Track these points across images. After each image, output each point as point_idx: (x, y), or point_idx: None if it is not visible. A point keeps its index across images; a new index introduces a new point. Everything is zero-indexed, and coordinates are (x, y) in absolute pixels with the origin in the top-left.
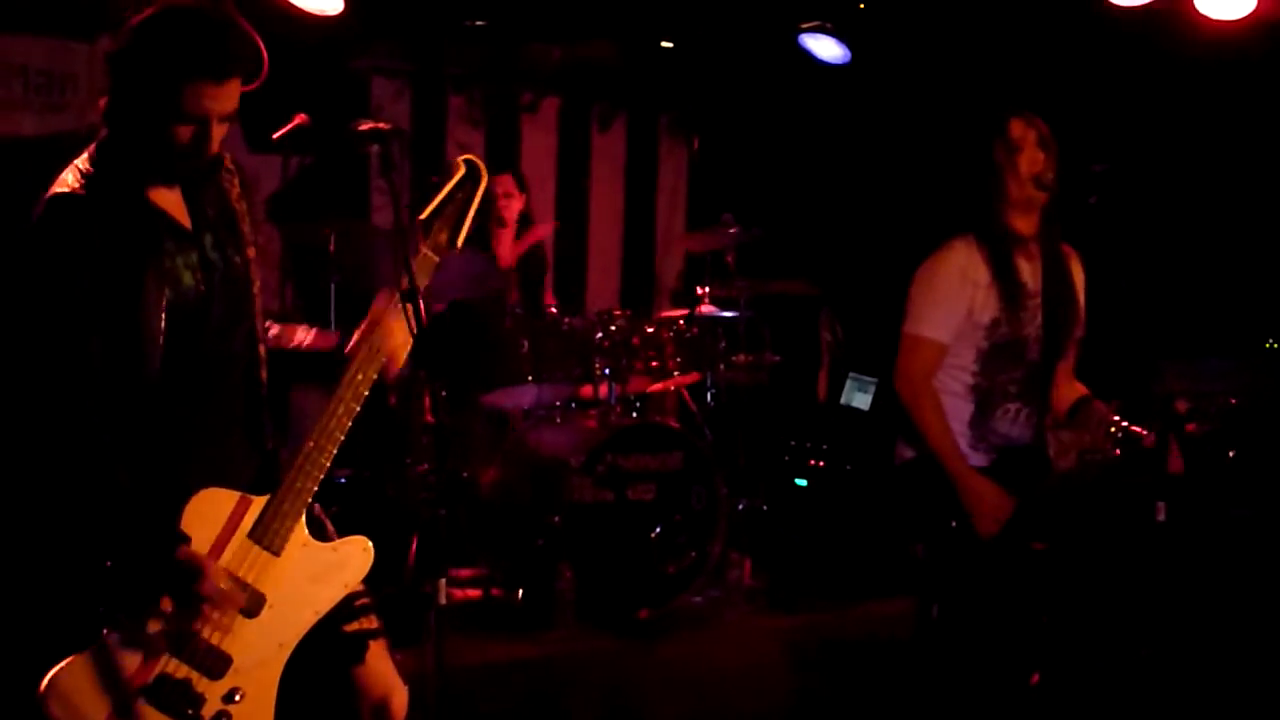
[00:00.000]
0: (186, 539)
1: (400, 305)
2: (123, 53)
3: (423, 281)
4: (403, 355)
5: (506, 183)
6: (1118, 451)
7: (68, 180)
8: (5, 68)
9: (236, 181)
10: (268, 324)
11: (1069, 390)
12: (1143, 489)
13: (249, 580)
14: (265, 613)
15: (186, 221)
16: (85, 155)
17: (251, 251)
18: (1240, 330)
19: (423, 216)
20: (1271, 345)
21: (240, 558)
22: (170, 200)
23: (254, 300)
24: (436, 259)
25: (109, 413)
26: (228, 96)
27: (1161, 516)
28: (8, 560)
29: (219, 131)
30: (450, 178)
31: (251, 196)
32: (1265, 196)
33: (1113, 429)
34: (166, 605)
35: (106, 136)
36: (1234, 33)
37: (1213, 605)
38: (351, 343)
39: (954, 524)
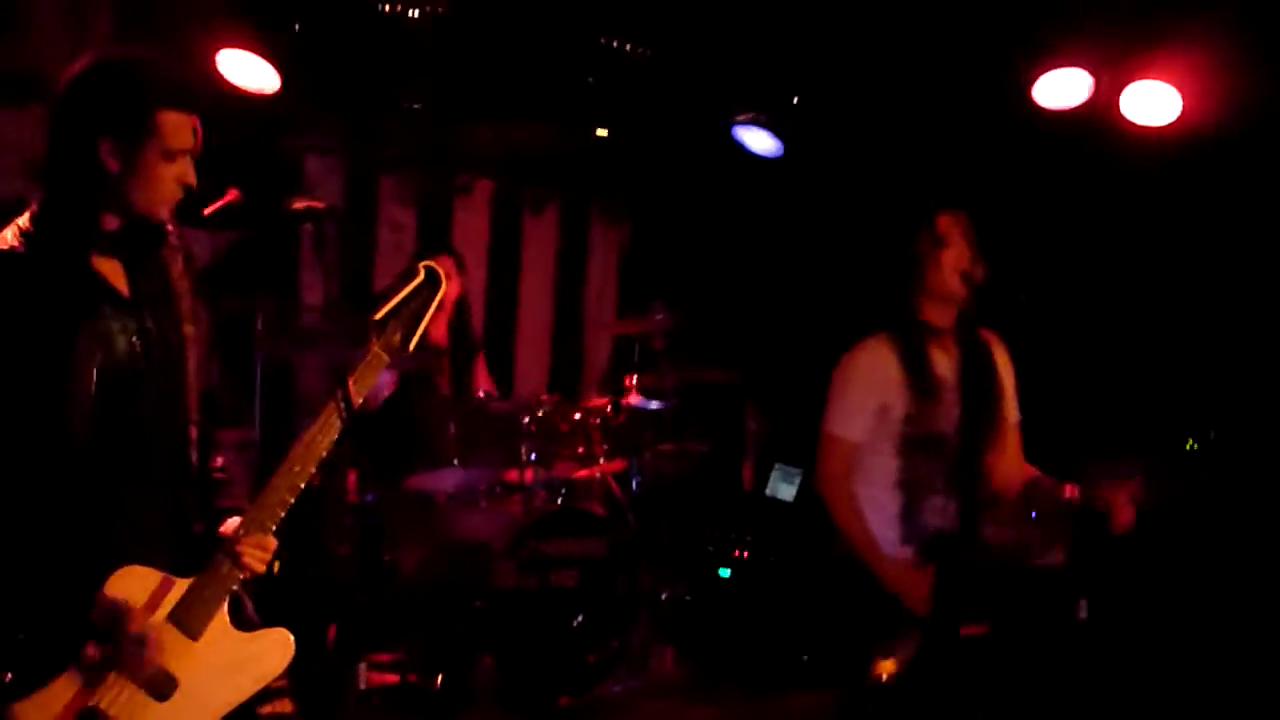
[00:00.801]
0: (110, 605)
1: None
2: (71, 99)
3: (370, 379)
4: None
5: (446, 264)
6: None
7: (6, 237)
8: None
9: (181, 259)
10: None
11: (1018, 473)
12: (1070, 580)
13: (162, 662)
14: (176, 697)
15: (125, 290)
16: (26, 215)
17: (189, 329)
18: (1160, 430)
19: (377, 316)
20: (1191, 445)
21: (157, 638)
22: (111, 269)
23: (188, 377)
24: (386, 359)
25: (30, 477)
26: (194, 132)
27: (1083, 615)
28: None
29: (183, 170)
30: (409, 281)
31: (194, 275)
32: (1187, 297)
33: (1063, 501)
34: (70, 681)
35: (46, 199)
36: (1160, 138)
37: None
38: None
39: (886, 614)
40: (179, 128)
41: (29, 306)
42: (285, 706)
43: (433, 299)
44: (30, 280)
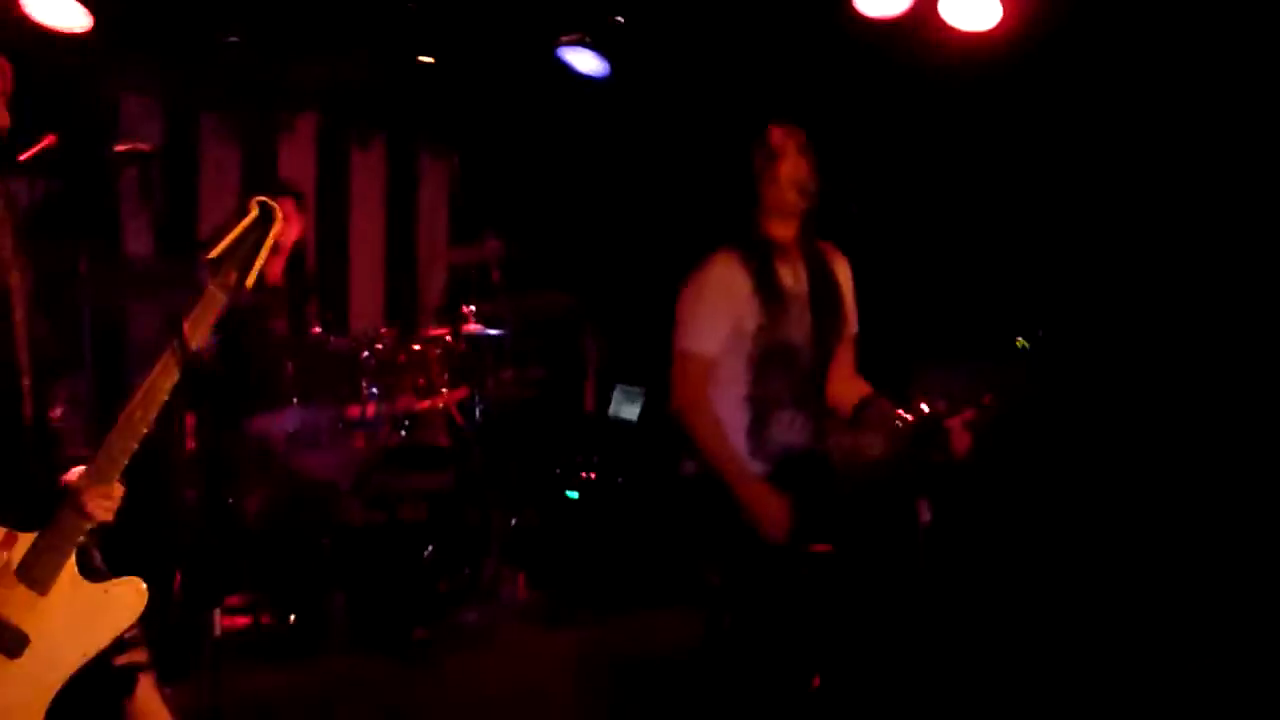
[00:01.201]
0: None
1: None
2: None
3: (208, 320)
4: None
5: (287, 207)
6: (898, 447)
7: None
8: None
9: (0, 205)
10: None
11: (852, 389)
12: (912, 487)
13: (11, 619)
14: (28, 653)
15: None
16: None
17: (14, 278)
18: (989, 332)
19: (212, 255)
20: (1021, 345)
21: (3, 595)
22: None
23: (16, 329)
24: (223, 298)
25: None
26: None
27: (926, 516)
28: None
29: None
30: (243, 219)
31: (16, 222)
32: (1009, 202)
33: (897, 424)
34: None
35: None
36: (982, 43)
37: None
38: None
39: (741, 535)
40: None
41: None
42: (140, 656)
43: (267, 235)
44: None
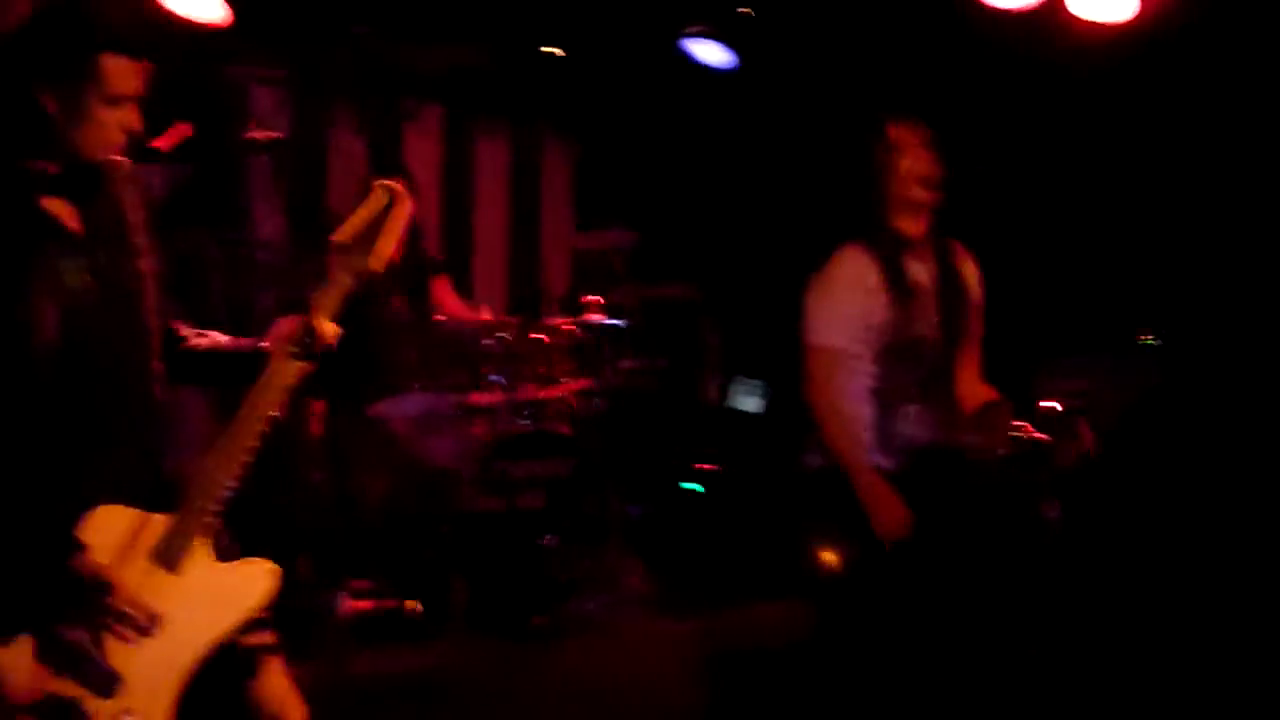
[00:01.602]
0: (84, 550)
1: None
2: (19, 43)
3: (335, 302)
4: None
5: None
6: (1011, 451)
7: None
8: None
9: (133, 192)
10: (178, 327)
11: (975, 391)
12: (1036, 488)
13: (145, 598)
14: (162, 632)
15: (77, 227)
16: None
17: (146, 264)
18: (1114, 327)
19: (338, 239)
20: (1147, 341)
21: (138, 576)
22: (60, 208)
23: (147, 314)
24: (350, 281)
25: None
26: (136, 76)
27: (1055, 514)
28: None
29: (127, 114)
30: (368, 202)
31: (149, 209)
32: (1140, 196)
33: (1016, 434)
34: (59, 620)
35: None
36: (1116, 36)
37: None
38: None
39: (862, 530)
40: (121, 73)
41: None
42: (267, 637)
43: (393, 218)
44: None
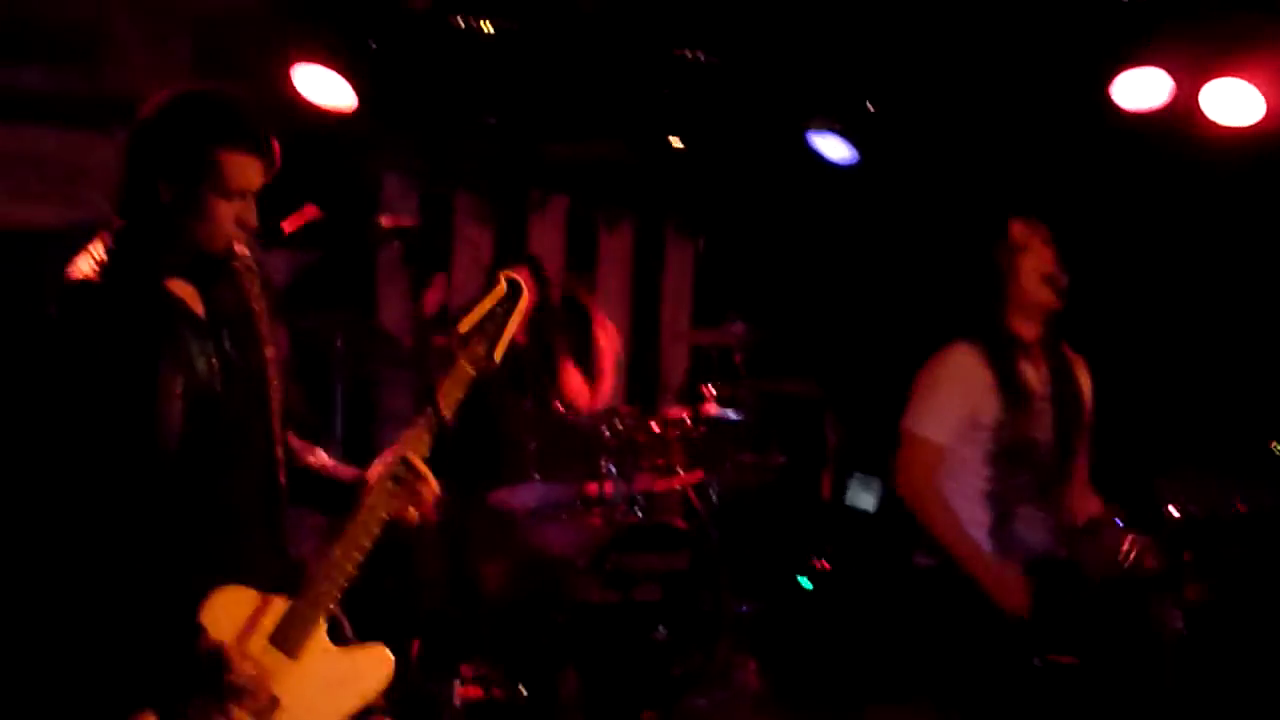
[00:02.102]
0: (205, 631)
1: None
2: (146, 132)
3: (457, 393)
4: None
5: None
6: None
7: (82, 268)
8: (20, 159)
9: (256, 280)
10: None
11: (1085, 501)
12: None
13: (266, 682)
14: (280, 717)
15: (202, 313)
16: (99, 243)
17: (270, 351)
18: (1243, 438)
19: (462, 329)
20: (1276, 448)
21: (258, 658)
22: (186, 292)
23: (272, 399)
24: (473, 373)
25: (127, 499)
26: (258, 172)
27: (1179, 624)
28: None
29: (253, 209)
30: (491, 292)
31: (271, 296)
32: (1268, 299)
33: (1125, 552)
34: (182, 700)
35: (121, 226)
36: (1244, 138)
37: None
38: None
39: (979, 631)
40: (240, 168)
41: (109, 334)
42: None
43: (515, 309)
44: (109, 309)
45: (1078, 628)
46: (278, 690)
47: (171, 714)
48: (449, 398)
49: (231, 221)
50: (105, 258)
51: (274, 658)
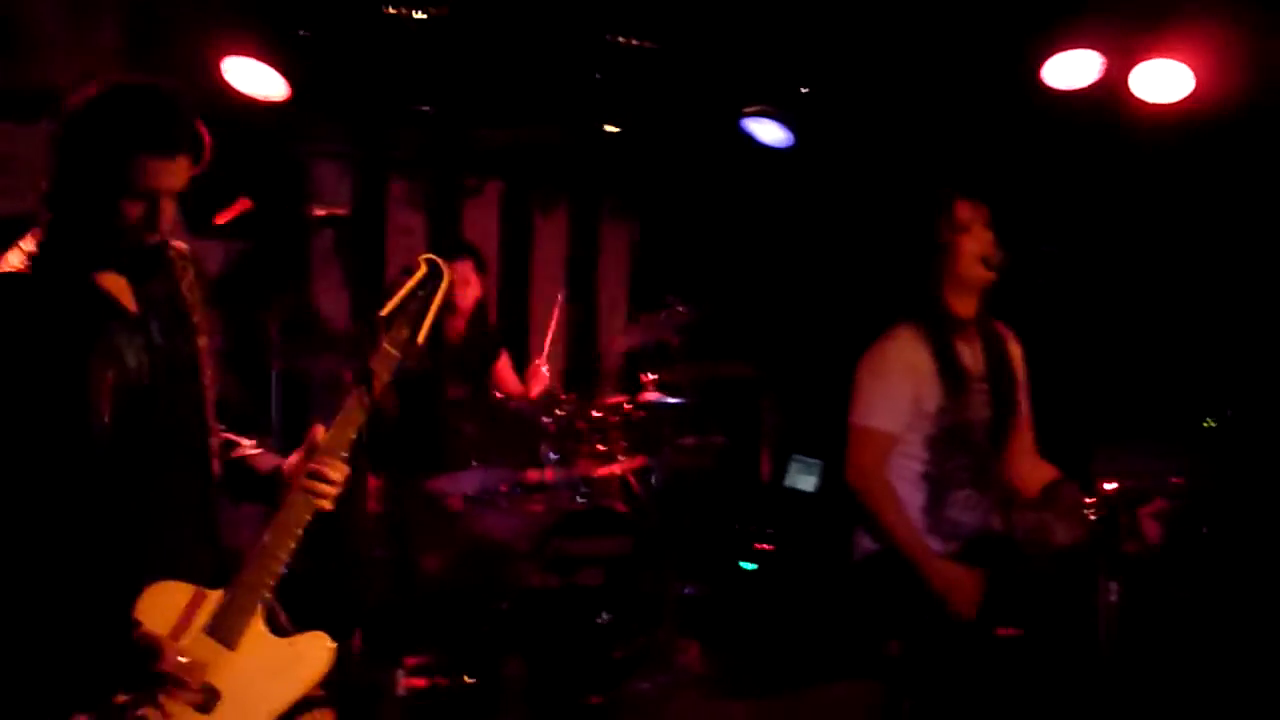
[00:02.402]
0: (139, 625)
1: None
2: (70, 129)
3: (384, 376)
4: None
5: (465, 269)
6: (1085, 532)
7: (11, 261)
8: None
9: (190, 271)
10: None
11: (1035, 471)
12: (1098, 570)
13: (203, 675)
14: (219, 708)
15: (132, 306)
16: (30, 237)
17: (203, 341)
18: (1176, 411)
19: (384, 313)
20: (1208, 424)
21: (195, 651)
22: (116, 285)
23: (204, 390)
24: (398, 355)
25: (59, 492)
26: (177, 173)
27: (1114, 598)
28: None
29: (168, 209)
30: (412, 275)
31: (205, 286)
32: (1197, 277)
33: (1085, 510)
34: (120, 698)
35: (50, 219)
36: (1172, 114)
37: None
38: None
39: (922, 615)
40: (159, 171)
41: (38, 329)
42: (326, 716)
43: (436, 292)
44: (37, 302)
45: (1019, 601)
46: (216, 681)
47: (106, 713)
48: (377, 380)
49: (138, 220)
50: (35, 250)
51: (210, 649)
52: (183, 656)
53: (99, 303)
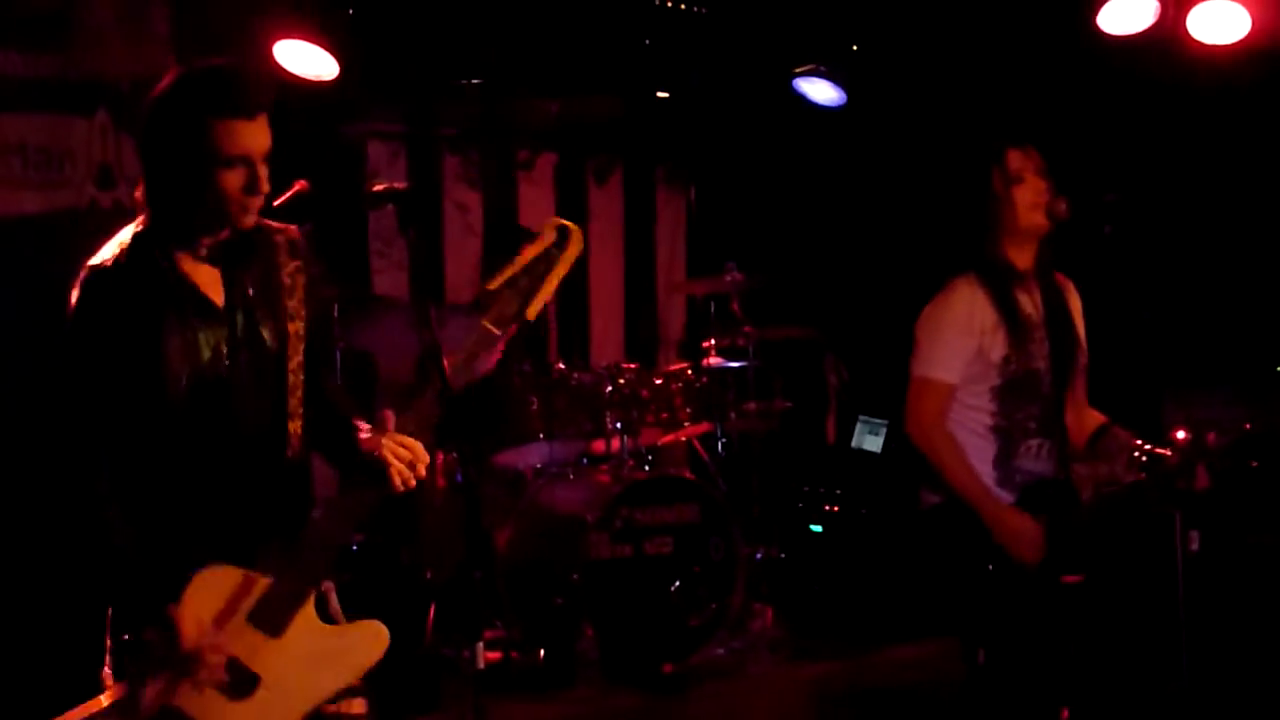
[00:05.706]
0: (178, 608)
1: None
2: (153, 120)
3: (482, 355)
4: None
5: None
6: (1141, 476)
7: (103, 253)
8: (3, 146)
9: (295, 258)
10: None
11: (1085, 419)
12: (1169, 518)
13: (243, 659)
14: (259, 694)
15: (219, 299)
16: (130, 229)
17: (295, 326)
18: (1248, 357)
19: (491, 286)
20: None
21: (237, 636)
22: (206, 276)
23: (288, 376)
24: (498, 333)
25: (122, 470)
26: (261, 132)
27: (1195, 546)
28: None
29: (263, 172)
30: (533, 243)
31: (314, 272)
32: (1266, 221)
33: (1136, 454)
34: (157, 680)
35: (148, 216)
36: (1229, 57)
37: (1242, 636)
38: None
39: (991, 566)
40: (235, 134)
41: (118, 321)
42: (357, 707)
43: (562, 258)
44: (121, 294)
45: (1082, 547)
46: (258, 668)
47: (137, 686)
48: (472, 362)
49: (239, 190)
50: (127, 242)
51: (253, 636)
52: (218, 642)
53: (182, 295)
